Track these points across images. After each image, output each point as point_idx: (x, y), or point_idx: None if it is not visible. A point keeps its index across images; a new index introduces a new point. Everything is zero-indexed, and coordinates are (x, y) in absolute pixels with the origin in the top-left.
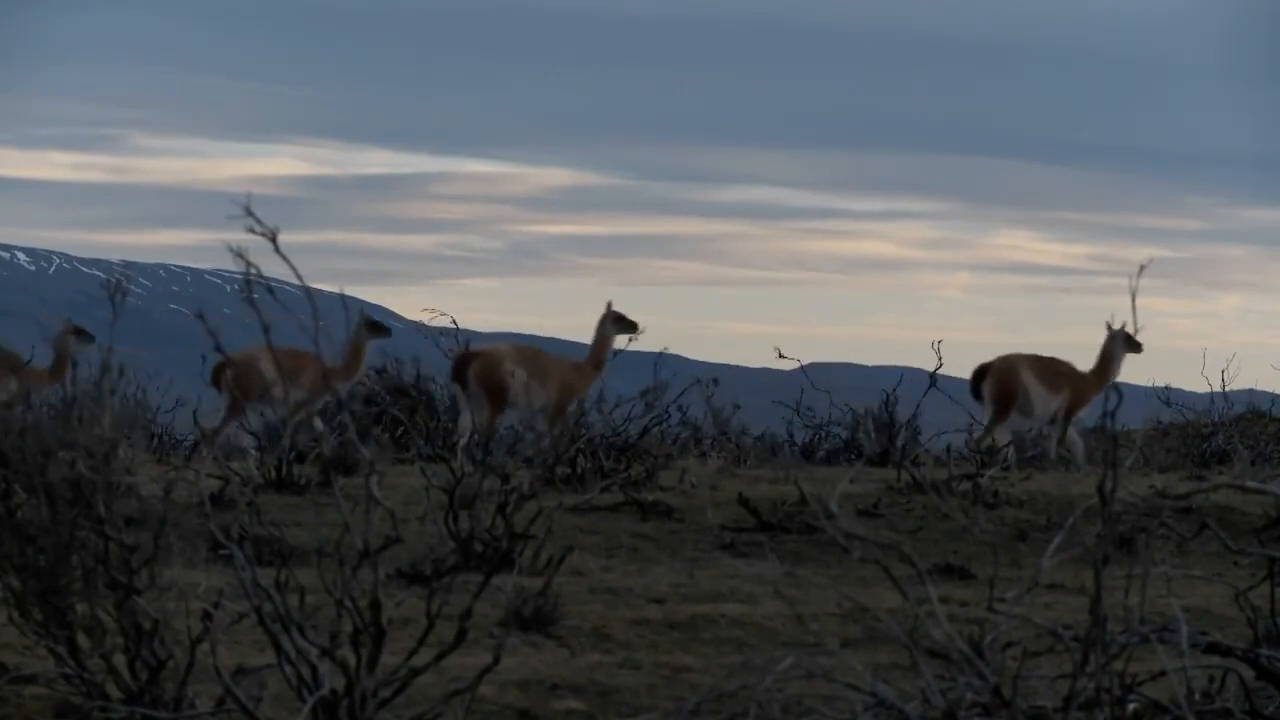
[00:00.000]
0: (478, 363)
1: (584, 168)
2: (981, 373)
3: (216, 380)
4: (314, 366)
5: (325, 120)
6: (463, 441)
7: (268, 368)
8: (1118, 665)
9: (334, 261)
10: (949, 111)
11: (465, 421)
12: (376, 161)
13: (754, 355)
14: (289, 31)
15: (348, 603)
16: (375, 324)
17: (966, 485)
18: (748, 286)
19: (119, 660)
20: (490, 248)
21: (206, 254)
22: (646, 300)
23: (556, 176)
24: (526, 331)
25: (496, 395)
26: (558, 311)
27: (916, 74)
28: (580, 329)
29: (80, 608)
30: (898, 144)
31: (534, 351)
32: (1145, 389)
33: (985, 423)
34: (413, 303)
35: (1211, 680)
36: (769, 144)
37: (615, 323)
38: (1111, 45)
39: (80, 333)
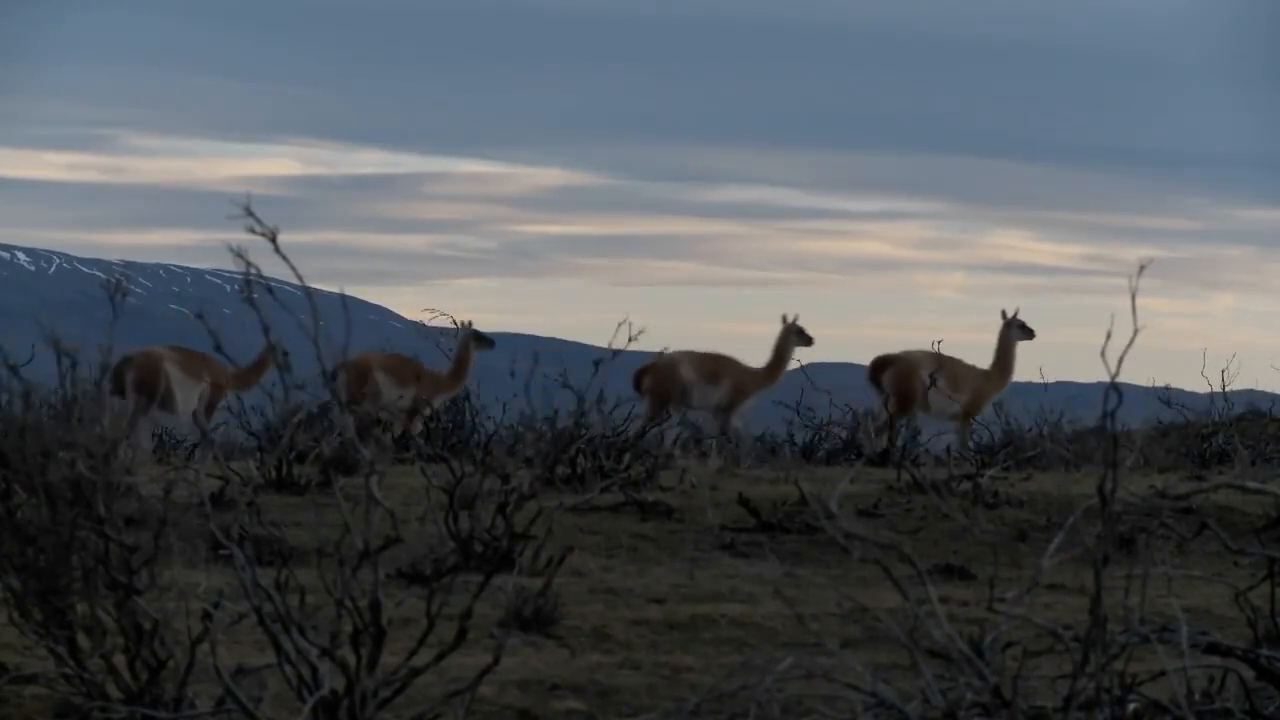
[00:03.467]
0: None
1: (579, 168)
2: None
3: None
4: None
5: (320, 120)
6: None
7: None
8: (1118, 665)
9: (329, 261)
10: (945, 112)
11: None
12: (371, 161)
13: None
14: (283, 31)
15: (348, 603)
16: (481, 336)
17: (966, 485)
18: (744, 286)
19: (119, 660)
20: (485, 248)
21: (206, 254)
22: (642, 300)
23: (552, 176)
24: (525, 331)
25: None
26: (553, 311)
27: (912, 74)
28: (579, 329)
29: (80, 608)
30: (893, 144)
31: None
32: (1145, 389)
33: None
34: (408, 302)
35: (1211, 680)
36: (764, 144)
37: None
38: (1107, 46)
39: (480, 338)
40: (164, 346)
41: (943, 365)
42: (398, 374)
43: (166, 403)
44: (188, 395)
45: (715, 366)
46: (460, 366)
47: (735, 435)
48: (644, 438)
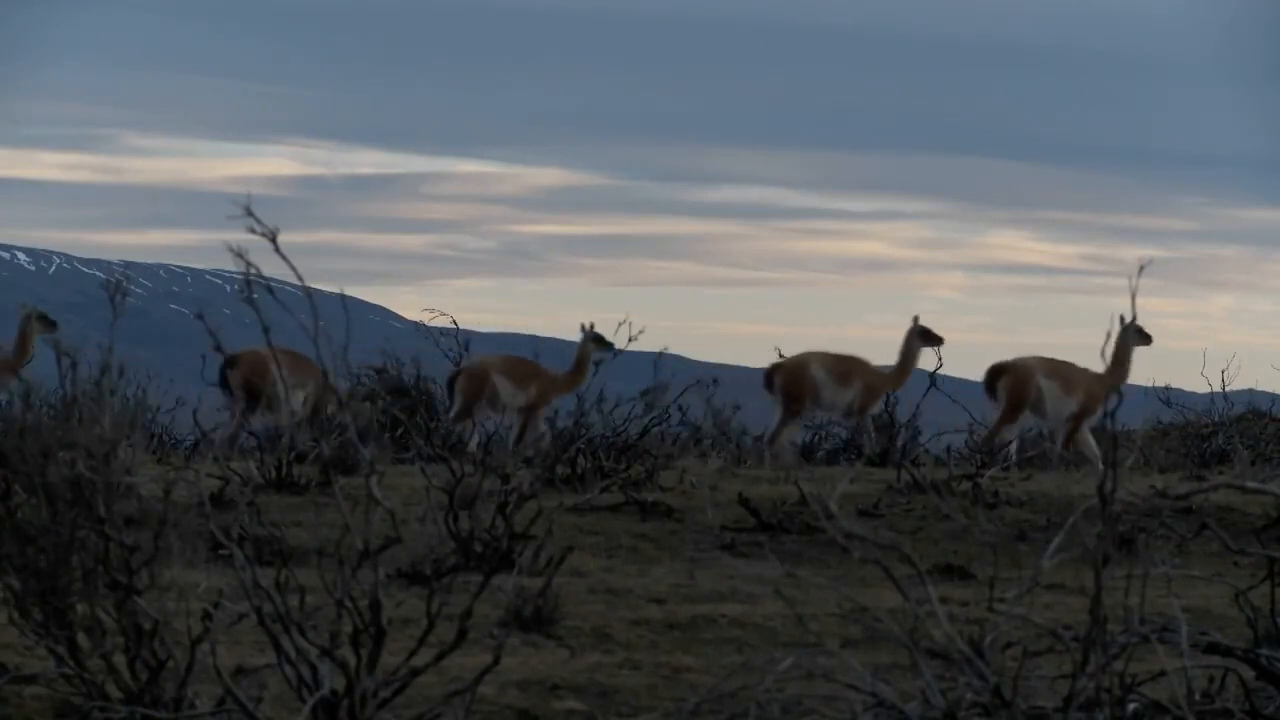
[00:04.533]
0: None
1: (576, 168)
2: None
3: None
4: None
5: (316, 120)
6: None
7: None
8: (1118, 665)
9: (328, 261)
10: (941, 111)
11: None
12: (368, 161)
13: (754, 355)
14: (281, 31)
15: (348, 603)
16: (600, 338)
17: (966, 485)
18: (741, 286)
19: (119, 660)
20: (483, 248)
21: (206, 254)
22: (640, 300)
23: (549, 176)
24: (525, 331)
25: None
26: (551, 311)
27: (909, 74)
28: (574, 329)
29: (80, 608)
30: (890, 144)
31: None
32: (1145, 389)
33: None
34: (407, 302)
35: (1211, 680)
36: (761, 144)
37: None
38: (1105, 45)
39: (600, 340)
40: (276, 347)
41: (1057, 370)
42: (516, 375)
43: (272, 404)
44: (292, 397)
45: (846, 368)
46: (579, 367)
47: (867, 435)
48: (775, 442)
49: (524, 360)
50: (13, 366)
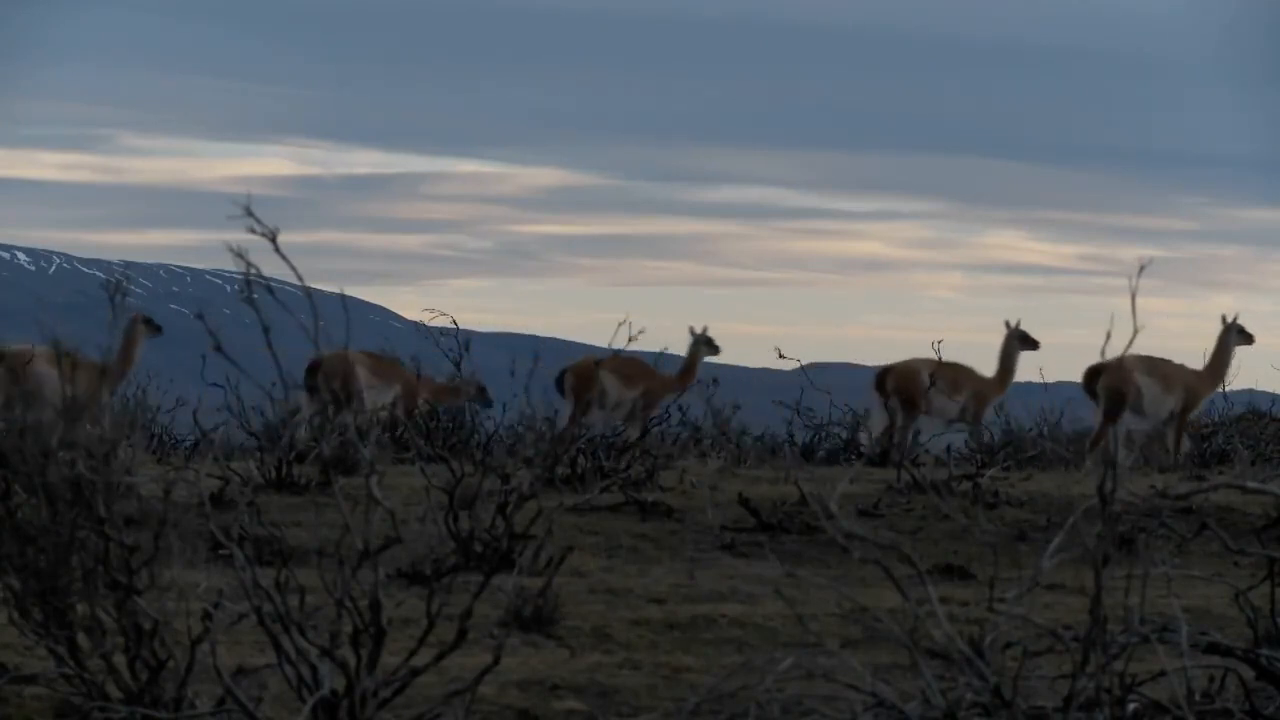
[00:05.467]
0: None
1: (575, 167)
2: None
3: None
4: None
5: (314, 120)
6: (866, 441)
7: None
8: (1118, 665)
9: (326, 261)
10: (941, 111)
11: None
12: (366, 161)
13: (754, 355)
14: (278, 31)
15: (348, 603)
16: (710, 340)
17: (966, 485)
18: (740, 286)
19: (119, 660)
20: (481, 248)
21: (206, 254)
22: (639, 300)
23: (547, 176)
24: (524, 331)
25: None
26: (551, 311)
27: (909, 74)
28: (579, 329)
29: (80, 608)
30: (889, 144)
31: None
32: None
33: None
34: (406, 302)
35: (1211, 680)
36: (760, 144)
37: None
38: (1103, 45)
39: (709, 342)
40: (356, 350)
41: (1156, 368)
42: (625, 375)
43: (356, 405)
44: (376, 398)
45: (955, 375)
46: (689, 369)
47: (978, 442)
48: (893, 448)
49: (634, 360)
50: (119, 372)
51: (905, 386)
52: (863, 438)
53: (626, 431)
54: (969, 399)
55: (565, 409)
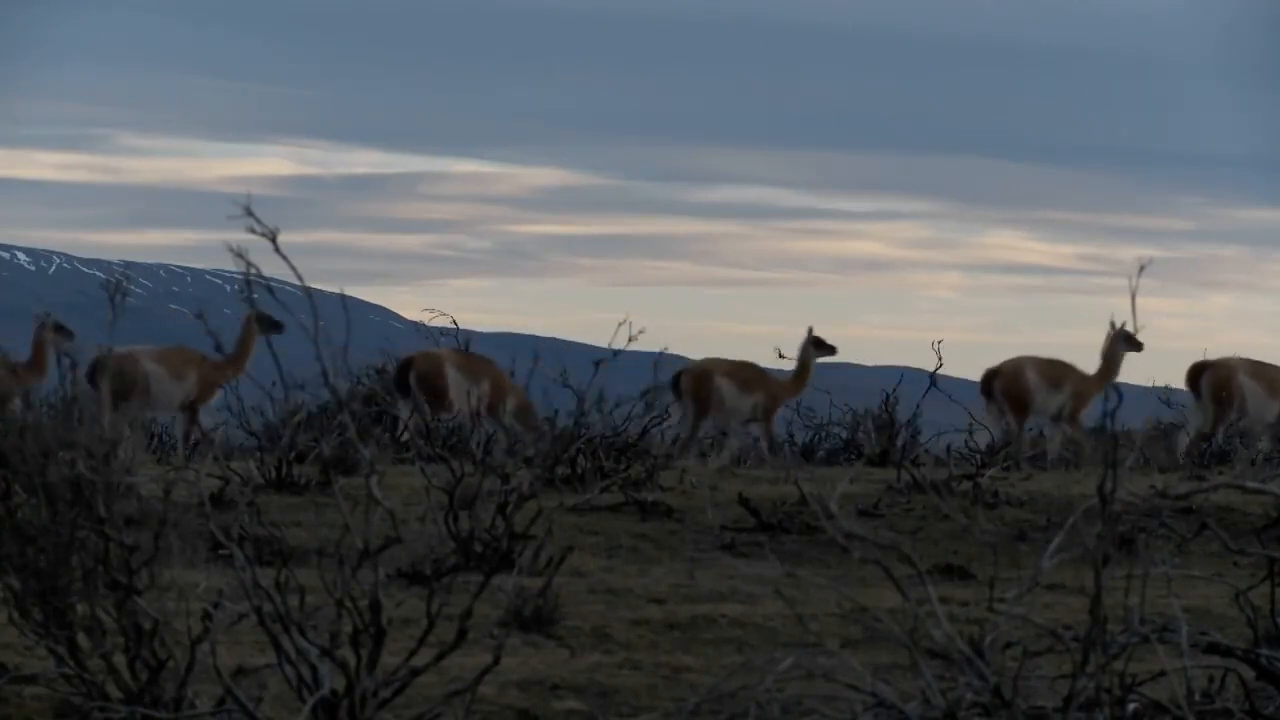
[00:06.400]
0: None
1: (574, 167)
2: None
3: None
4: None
5: (313, 120)
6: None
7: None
8: (1118, 665)
9: (325, 261)
10: (938, 111)
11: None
12: (364, 161)
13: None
14: (276, 31)
15: (348, 603)
16: (821, 341)
17: (966, 485)
18: (740, 286)
19: (119, 660)
20: (480, 248)
21: (206, 254)
22: (638, 300)
23: (546, 176)
24: (524, 331)
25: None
26: (550, 311)
27: (908, 74)
28: (579, 329)
29: (80, 608)
30: (887, 144)
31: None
32: (1145, 389)
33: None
34: (405, 302)
35: (1211, 680)
36: (759, 144)
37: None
38: (1101, 45)
39: (820, 343)
40: (445, 349)
41: (1260, 370)
42: (741, 380)
43: (450, 403)
44: (463, 396)
45: (1058, 373)
46: (803, 371)
47: (1079, 441)
48: (1007, 449)
49: (749, 364)
50: (233, 369)
51: (1013, 387)
52: (981, 441)
53: (764, 439)
54: (1070, 397)
55: (681, 413)
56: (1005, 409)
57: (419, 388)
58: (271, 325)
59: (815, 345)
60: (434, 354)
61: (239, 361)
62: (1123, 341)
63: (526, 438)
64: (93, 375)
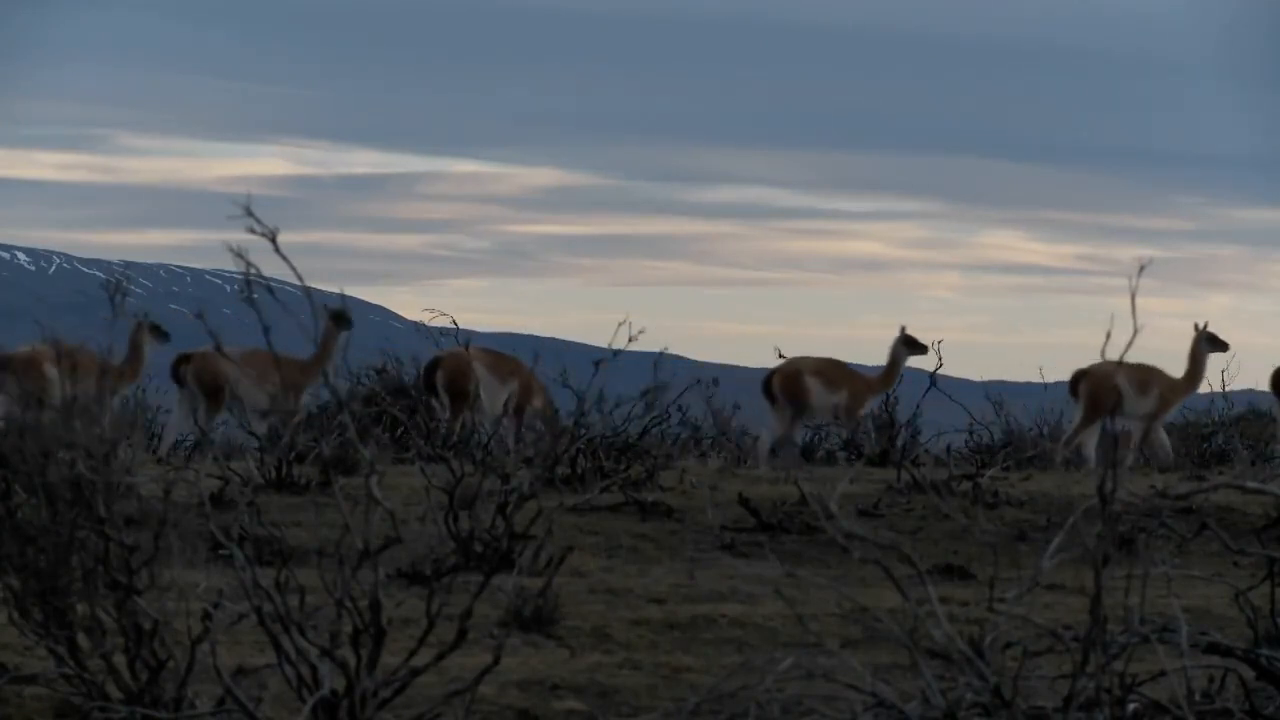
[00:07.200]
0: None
1: (572, 167)
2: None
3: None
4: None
5: (311, 120)
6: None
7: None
8: (1118, 665)
9: (324, 261)
10: (936, 111)
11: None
12: (363, 161)
13: (754, 355)
14: (274, 31)
15: (348, 603)
16: (913, 340)
17: (966, 485)
18: (738, 287)
19: (119, 660)
20: (479, 248)
21: (206, 254)
22: (637, 300)
23: (544, 176)
24: (523, 331)
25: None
26: (548, 311)
27: (905, 74)
28: (578, 329)
29: (80, 608)
30: (887, 144)
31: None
32: None
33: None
34: (404, 302)
35: (1211, 680)
36: (757, 144)
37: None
38: (1100, 45)
39: (913, 342)
40: (474, 348)
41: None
42: (829, 378)
43: (475, 404)
44: (494, 396)
45: (1146, 376)
46: (891, 369)
47: (1160, 444)
48: (1069, 444)
49: (837, 362)
50: (317, 369)
51: (1098, 389)
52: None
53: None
54: (1157, 399)
55: (774, 413)
56: (1088, 410)
57: (446, 388)
58: (346, 322)
59: (907, 344)
60: (462, 353)
61: (321, 361)
62: (1206, 342)
63: (542, 438)
64: (176, 374)
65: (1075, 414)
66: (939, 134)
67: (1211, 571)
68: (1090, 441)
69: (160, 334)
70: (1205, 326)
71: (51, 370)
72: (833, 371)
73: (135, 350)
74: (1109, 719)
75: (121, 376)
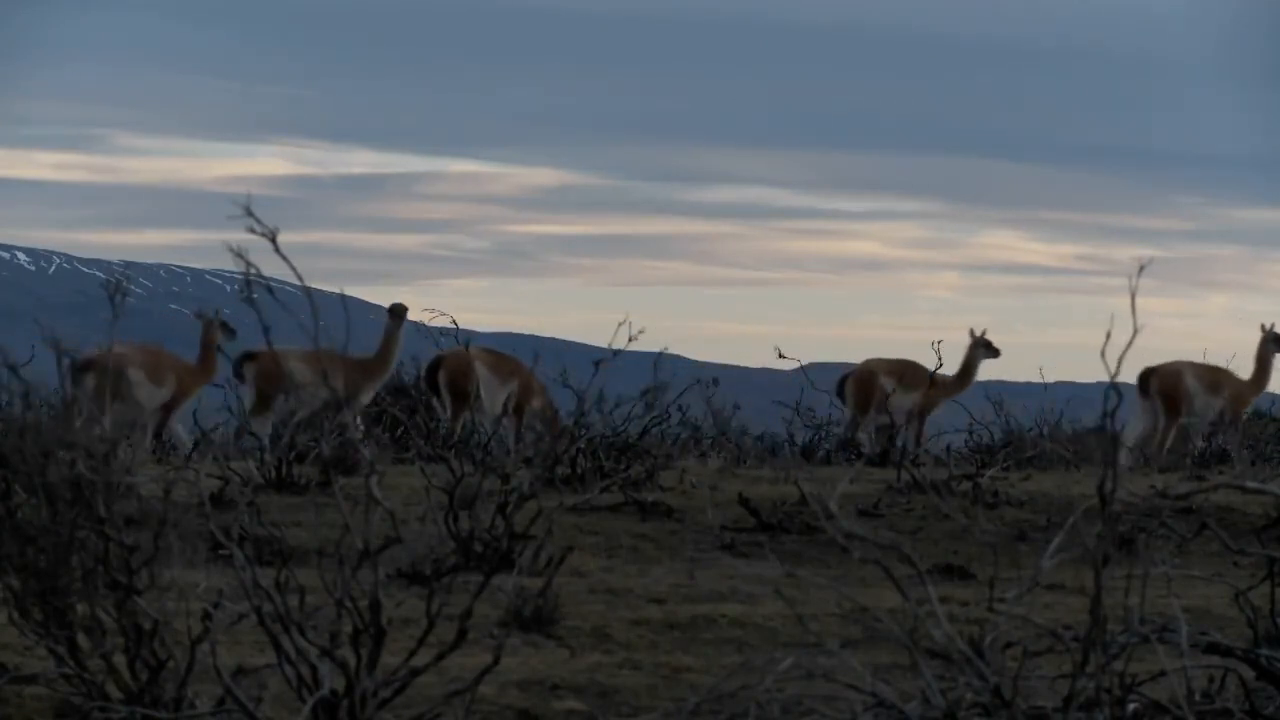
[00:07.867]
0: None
1: (572, 167)
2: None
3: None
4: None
5: (310, 120)
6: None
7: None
8: (1118, 665)
9: (322, 261)
10: (938, 111)
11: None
12: (362, 161)
13: (754, 355)
14: (273, 31)
15: (348, 603)
16: (988, 344)
17: (966, 485)
18: (738, 287)
19: (119, 660)
20: (478, 248)
21: (206, 254)
22: (636, 300)
23: (543, 176)
24: (522, 331)
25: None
26: (547, 311)
27: (905, 74)
28: (578, 329)
29: (80, 608)
30: (886, 144)
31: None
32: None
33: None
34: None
35: (1211, 680)
36: (758, 144)
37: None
38: (1099, 45)
39: (989, 346)
40: (475, 347)
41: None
42: (905, 378)
43: (476, 403)
44: (494, 396)
45: (1216, 377)
46: (966, 372)
47: (1238, 447)
48: (1161, 449)
49: (912, 363)
50: (381, 368)
51: (1169, 388)
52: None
53: (912, 434)
54: (1227, 401)
55: (848, 414)
56: (1160, 409)
57: (449, 387)
58: (402, 315)
59: (983, 347)
60: (464, 353)
61: (385, 360)
62: (1273, 344)
63: (542, 438)
64: (238, 371)
65: (1140, 414)
66: (939, 134)
67: (1211, 571)
68: (1167, 440)
69: (229, 331)
70: (1272, 327)
71: (136, 373)
72: (907, 373)
73: (208, 349)
74: (1109, 719)
75: (198, 376)
